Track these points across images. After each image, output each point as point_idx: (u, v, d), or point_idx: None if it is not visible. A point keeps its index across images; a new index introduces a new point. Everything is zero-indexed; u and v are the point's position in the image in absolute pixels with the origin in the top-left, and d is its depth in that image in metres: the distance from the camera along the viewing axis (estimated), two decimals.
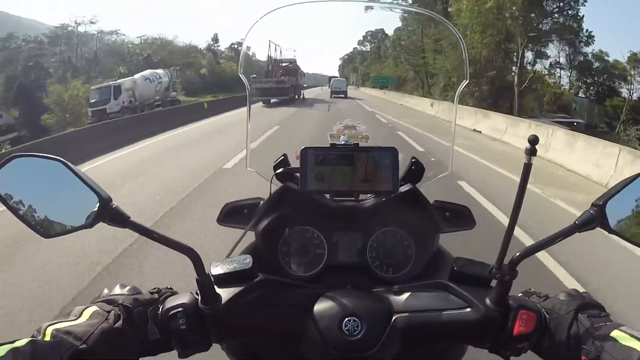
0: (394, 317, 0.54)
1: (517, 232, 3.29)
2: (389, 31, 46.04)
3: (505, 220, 3.37)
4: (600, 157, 6.44)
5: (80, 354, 0.44)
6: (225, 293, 0.55)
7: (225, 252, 0.69)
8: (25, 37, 37.42)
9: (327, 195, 0.79)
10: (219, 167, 6.43)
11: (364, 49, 58.69)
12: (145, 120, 13.08)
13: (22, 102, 29.43)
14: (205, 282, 0.53)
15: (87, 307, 0.51)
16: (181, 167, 6.78)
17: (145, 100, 22.75)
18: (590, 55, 27.86)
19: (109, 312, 0.50)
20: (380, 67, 43.30)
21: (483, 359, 0.69)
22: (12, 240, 3.68)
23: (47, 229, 0.50)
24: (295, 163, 0.78)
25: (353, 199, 0.79)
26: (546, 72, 27.82)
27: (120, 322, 0.50)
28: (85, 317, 0.49)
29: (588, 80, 29.19)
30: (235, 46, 53.15)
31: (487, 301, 0.54)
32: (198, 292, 0.54)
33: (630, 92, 26.23)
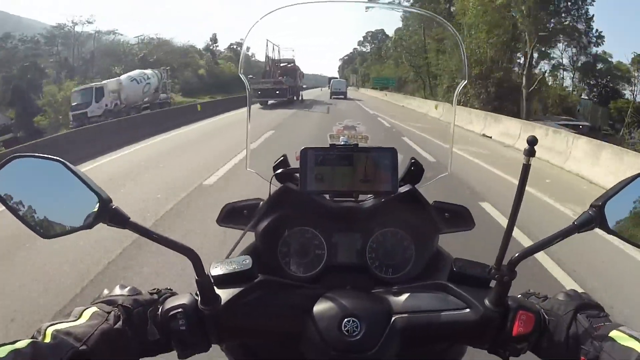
0: (393, 318, 0.54)
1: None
2: (390, 32, 46.10)
3: (556, 269, 3.17)
4: (628, 169, 5.61)
5: (81, 355, 0.44)
6: (224, 294, 0.55)
7: (225, 253, 0.69)
8: (21, 37, 36.63)
9: (327, 196, 0.79)
10: (199, 184, 5.57)
11: (364, 49, 58.65)
12: (127, 125, 11.72)
13: (18, 103, 28.68)
14: (205, 283, 0.53)
15: (87, 308, 0.51)
16: (155, 183, 5.74)
17: (131, 102, 20.72)
18: (594, 56, 27.59)
19: (108, 313, 0.50)
20: (381, 68, 43.21)
21: (482, 359, 0.69)
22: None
23: (46, 230, 0.50)
24: (295, 164, 0.78)
25: (353, 199, 0.79)
26: (549, 74, 27.62)
27: (120, 323, 0.50)
28: (85, 318, 0.49)
29: (591, 82, 28.90)
30: (235, 46, 53.05)
31: (486, 302, 0.54)
32: (198, 292, 0.54)
33: (634, 94, 26.09)
